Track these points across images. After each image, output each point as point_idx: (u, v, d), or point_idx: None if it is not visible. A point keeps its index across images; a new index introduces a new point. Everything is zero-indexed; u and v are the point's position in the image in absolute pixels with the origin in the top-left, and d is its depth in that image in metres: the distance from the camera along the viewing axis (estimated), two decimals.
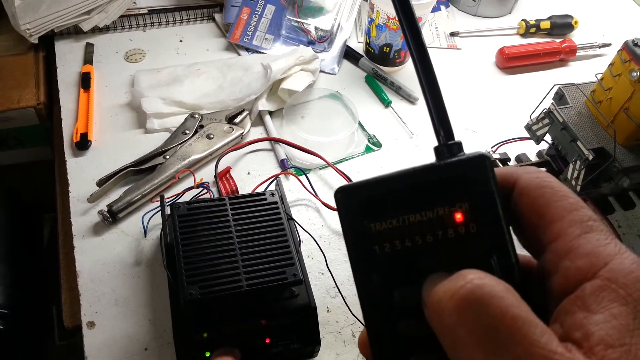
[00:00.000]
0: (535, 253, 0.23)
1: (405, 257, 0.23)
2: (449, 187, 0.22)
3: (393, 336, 0.23)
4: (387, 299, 0.23)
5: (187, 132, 0.67)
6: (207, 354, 0.44)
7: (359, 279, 0.23)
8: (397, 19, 0.24)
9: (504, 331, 0.18)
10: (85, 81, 0.72)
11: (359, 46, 0.85)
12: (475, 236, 0.22)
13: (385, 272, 0.23)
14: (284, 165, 0.66)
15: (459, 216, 0.22)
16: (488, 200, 0.22)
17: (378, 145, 0.72)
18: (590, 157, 0.56)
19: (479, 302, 0.18)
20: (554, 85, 0.63)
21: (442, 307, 0.19)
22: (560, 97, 0.63)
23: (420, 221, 0.22)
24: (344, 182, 0.65)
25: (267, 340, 0.47)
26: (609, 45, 0.90)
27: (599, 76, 0.61)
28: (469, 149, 0.22)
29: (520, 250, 0.23)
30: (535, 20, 0.92)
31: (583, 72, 0.87)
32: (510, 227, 0.23)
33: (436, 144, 0.24)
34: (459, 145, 0.23)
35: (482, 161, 0.22)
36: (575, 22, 0.93)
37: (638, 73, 0.54)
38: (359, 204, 0.23)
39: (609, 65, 0.59)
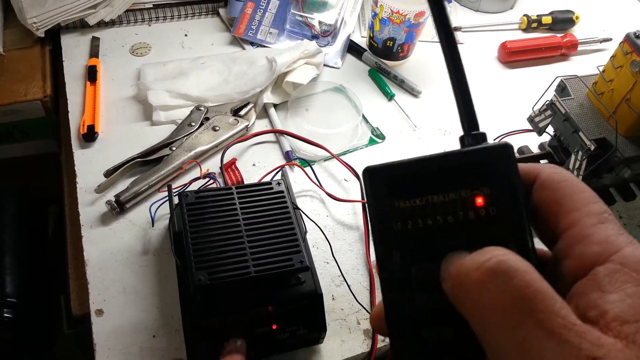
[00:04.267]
0: (550, 243, 0.23)
1: (426, 235, 0.24)
2: (472, 172, 0.23)
3: (409, 310, 0.24)
4: (406, 274, 0.24)
5: (193, 124, 0.67)
6: None
7: (381, 254, 0.24)
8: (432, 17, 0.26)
9: (528, 301, 0.19)
10: (91, 74, 0.73)
11: (362, 40, 0.86)
12: (495, 219, 0.23)
13: (406, 248, 0.24)
14: (288, 156, 0.67)
15: (480, 200, 0.23)
16: (509, 186, 0.23)
17: (382, 137, 0.72)
18: (592, 148, 0.57)
19: (505, 273, 0.19)
20: (556, 77, 0.64)
21: (467, 278, 0.20)
22: (562, 89, 0.63)
23: (443, 202, 0.23)
24: (347, 173, 0.66)
25: (274, 327, 0.47)
26: (609, 40, 0.91)
27: (601, 68, 0.61)
28: None
29: (536, 244, 0.23)
30: (537, 16, 0.93)
31: (584, 66, 0.88)
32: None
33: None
34: (483, 136, 0.25)
35: (506, 149, 0.23)
36: (577, 17, 0.93)
37: None
38: (385, 183, 0.24)
39: (611, 57, 0.60)
